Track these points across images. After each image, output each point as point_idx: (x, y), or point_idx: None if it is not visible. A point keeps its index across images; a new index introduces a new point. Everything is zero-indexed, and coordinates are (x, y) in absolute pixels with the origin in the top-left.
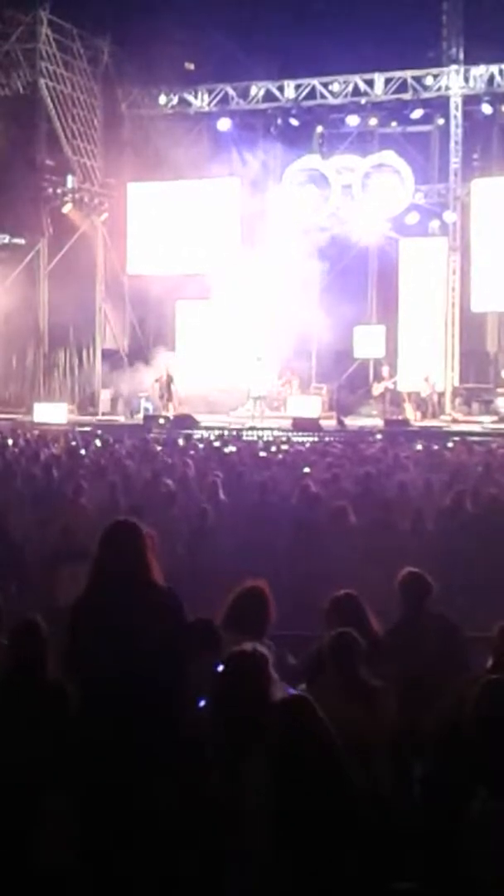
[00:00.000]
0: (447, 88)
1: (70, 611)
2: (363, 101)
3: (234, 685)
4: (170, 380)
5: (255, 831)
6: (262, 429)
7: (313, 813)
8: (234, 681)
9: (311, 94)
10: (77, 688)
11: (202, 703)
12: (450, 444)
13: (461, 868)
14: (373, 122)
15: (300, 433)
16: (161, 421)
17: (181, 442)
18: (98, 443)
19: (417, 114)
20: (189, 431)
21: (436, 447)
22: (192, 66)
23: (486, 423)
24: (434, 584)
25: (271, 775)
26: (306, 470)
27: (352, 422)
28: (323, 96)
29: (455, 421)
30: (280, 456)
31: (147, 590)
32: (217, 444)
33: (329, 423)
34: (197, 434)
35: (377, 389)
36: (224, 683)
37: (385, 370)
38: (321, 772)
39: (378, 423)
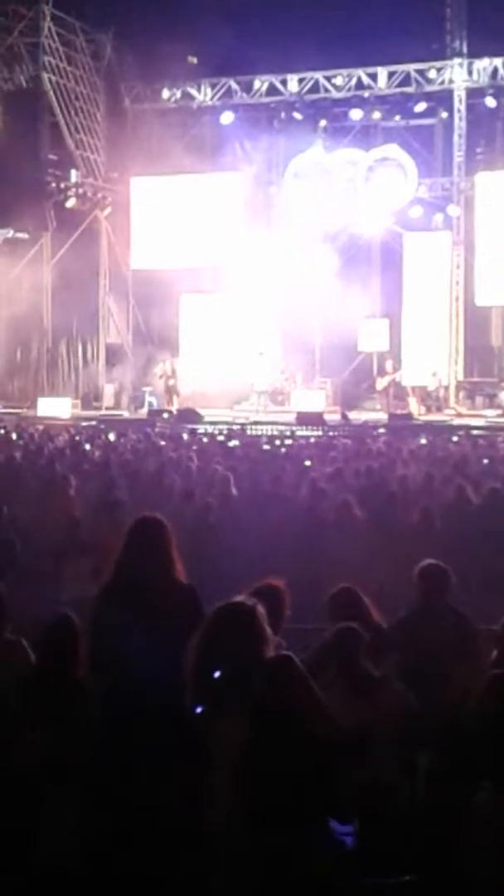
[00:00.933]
0: (451, 82)
1: (93, 604)
2: (366, 94)
3: (220, 636)
4: (173, 374)
5: (221, 804)
6: (266, 423)
7: (285, 779)
8: (221, 632)
9: (315, 88)
10: (98, 683)
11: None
12: (454, 438)
13: (464, 861)
14: (376, 115)
15: (304, 427)
16: (165, 415)
17: (185, 436)
18: (111, 437)
19: (421, 107)
20: (193, 426)
21: (440, 441)
22: (195, 60)
23: (491, 416)
24: (453, 578)
25: (247, 737)
26: (307, 463)
27: (356, 416)
28: (326, 90)
29: (459, 415)
30: (284, 450)
31: (170, 586)
32: (221, 438)
33: (333, 418)
34: (201, 429)
35: (381, 384)
36: (209, 634)
37: (389, 364)
38: (297, 737)
39: (382, 417)
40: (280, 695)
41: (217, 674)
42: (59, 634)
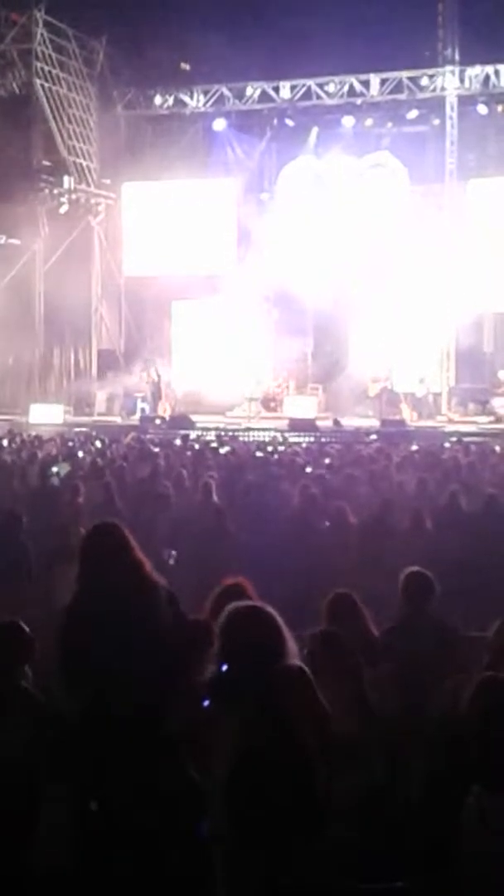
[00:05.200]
0: (443, 89)
1: (63, 614)
2: (359, 101)
3: (245, 638)
4: (159, 379)
5: (218, 806)
6: (259, 429)
7: (283, 784)
8: (245, 633)
9: (307, 95)
10: (73, 689)
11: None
12: (447, 445)
13: (458, 867)
14: (368, 122)
15: (296, 433)
16: (157, 421)
17: (178, 442)
18: (98, 444)
19: (413, 114)
20: (185, 432)
21: (432, 447)
22: (187, 67)
23: (483, 423)
24: (437, 585)
25: (250, 740)
26: (308, 470)
27: (348, 422)
28: (318, 97)
29: (451, 421)
30: (276, 456)
31: (141, 587)
32: (213, 444)
33: (325, 424)
34: (193, 434)
35: (373, 390)
36: (232, 636)
37: (381, 371)
38: (300, 744)
39: (374, 423)
40: (287, 703)
41: (224, 667)
42: (3, 641)
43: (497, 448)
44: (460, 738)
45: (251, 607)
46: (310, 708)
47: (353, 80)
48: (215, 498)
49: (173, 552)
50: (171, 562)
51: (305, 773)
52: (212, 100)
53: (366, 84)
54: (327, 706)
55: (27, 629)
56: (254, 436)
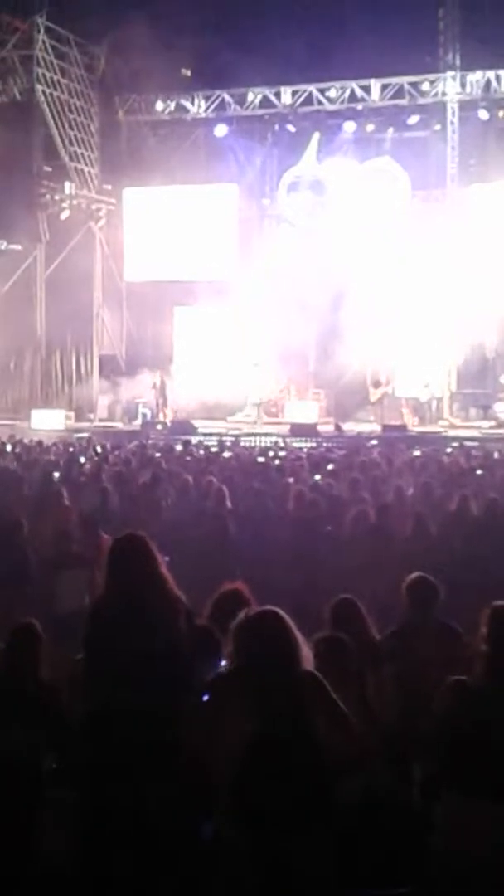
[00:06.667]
0: (444, 94)
1: (85, 620)
2: (360, 106)
3: (262, 640)
4: (164, 385)
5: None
6: (260, 434)
7: (288, 786)
8: (262, 636)
9: (308, 101)
10: (89, 695)
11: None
12: (448, 450)
13: (459, 872)
14: (369, 127)
15: (298, 439)
16: (159, 427)
17: (179, 448)
18: (97, 448)
19: (414, 119)
20: (187, 437)
21: (434, 452)
22: (188, 73)
23: (485, 427)
24: (441, 590)
25: (257, 740)
26: (317, 477)
27: (350, 427)
28: (320, 102)
29: (453, 426)
30: (277, 462)
31: (160, 600)
32: (215, 449)
33: (327, 429)
34: (195, 440)
35: (375, 395)
36: (249, 638)
37: (383, 376)
38: (307, 749)
39: (376, 428)
40: (302, 709)
41: (223, 663)
42: (22, 643)
43: (497, 454)
44: (447, 743)
45: (268, 611)
46: (328, 711)
47: (354, 85)
48: (229, 504)
49: (165, 558)
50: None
51: (319, 774)
52: (213, 105)
53: (367, 89)
54: (343, 707)
55: (41, 632)
56: (256, 441)
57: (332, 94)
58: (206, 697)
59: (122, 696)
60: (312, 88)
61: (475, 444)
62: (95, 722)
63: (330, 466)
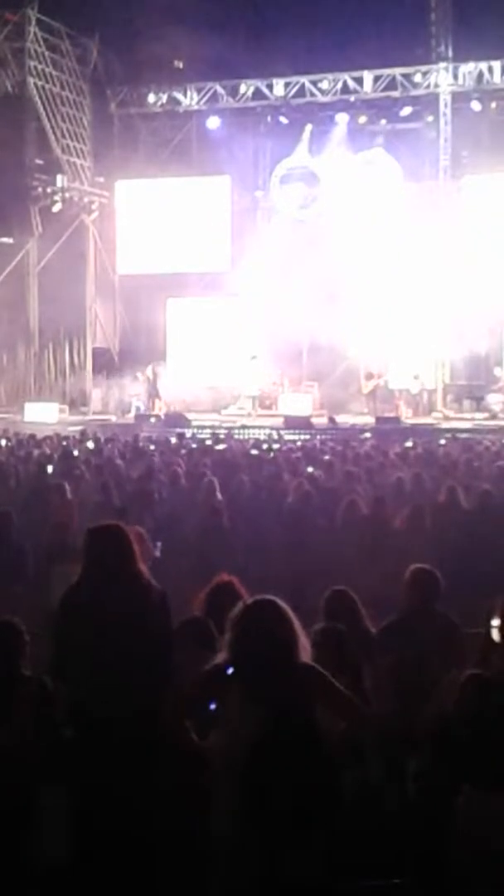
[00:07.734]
0: (436, 86)
1: (57, 611)
2: (352, 98)
3: (260, 630)
4: (154, 378)
5: (221, 804)
6: (254, 427)
7: (291, 783)
8: (261, 626)
9: (301, 92)
10: (68, 687)
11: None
12: (442, 442)
13: (453, 864)
14: (362, 119)
15: (292, 431)
16: (152, 420)
17: (173, 440)
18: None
19: (407, 111)
20: (181, 430)
21: (427, 444)
22: (180, 65)
23: (478, 419)
24: (443, 583)
25: (259, 739)
26: (310, 469)
27: (343, 419)
28: (312, 94)
29: (446, 418)
30: (272, 454)
31: (133, 587)
32: (209, 442)
33: (320, 421)
34: (188, 433)
35: (367, 387)
36: (247, 628)
37: (375, 368)
38: (310, 744)
39: (369, 420)
40: (304, 702)
41: (230, 670)
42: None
43: (490, 444)
44: (452, 737)
45: (267, 601)
46: (333, 701)
47: (346, 77)
48: (219, 496)
49: (158, 543)
50: (157, 553)
51: (323, 769)
52: (205, 97)
53: (359, 81)
54: (347, 693)
55: (23, 628)
56: (249, 433)
57: (324, 85)
58: (212, 706)
59: (92, 688)
60: (305, 80)
61: (468, 435)
62: (73, 722)
63: (326, 458)
